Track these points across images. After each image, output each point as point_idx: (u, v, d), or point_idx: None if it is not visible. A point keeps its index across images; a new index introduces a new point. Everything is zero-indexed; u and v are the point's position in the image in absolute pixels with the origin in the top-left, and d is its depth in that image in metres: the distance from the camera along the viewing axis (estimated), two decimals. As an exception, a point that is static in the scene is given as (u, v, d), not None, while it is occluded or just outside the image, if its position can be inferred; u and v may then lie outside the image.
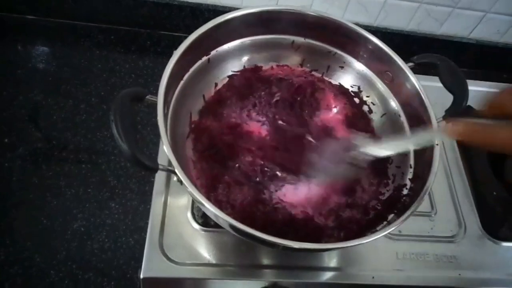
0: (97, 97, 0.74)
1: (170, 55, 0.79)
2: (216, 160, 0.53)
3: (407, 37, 0.86)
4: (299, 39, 0.60)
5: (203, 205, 0.40)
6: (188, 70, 0.52)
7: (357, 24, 0.58)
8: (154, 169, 0.40)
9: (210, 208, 0.40)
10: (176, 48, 0.81)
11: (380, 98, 0.59)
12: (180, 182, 0.40)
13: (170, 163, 0.41)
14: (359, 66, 0.60)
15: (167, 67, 0.46)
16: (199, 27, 0.53)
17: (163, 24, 0.84)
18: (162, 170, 0.40)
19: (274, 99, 0.58)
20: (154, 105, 0.45)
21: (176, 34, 0.85)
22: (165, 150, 0.40)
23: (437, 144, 0.48)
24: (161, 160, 0.42)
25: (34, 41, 0.80)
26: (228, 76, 0.59)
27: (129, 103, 0.41)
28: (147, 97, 0.44)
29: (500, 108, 0.34)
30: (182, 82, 0.51)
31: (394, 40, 0.86)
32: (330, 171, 0.51)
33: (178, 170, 0.39)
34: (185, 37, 0.84)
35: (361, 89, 0.61)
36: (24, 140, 0.68)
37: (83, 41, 0.81)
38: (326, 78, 0.62)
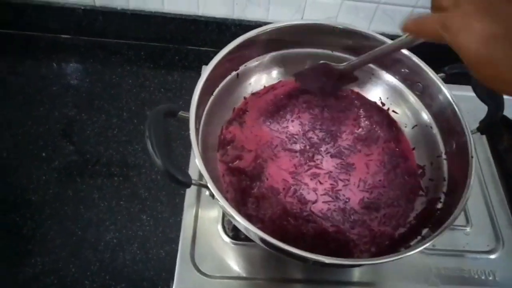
0: (128, 112, 0.76)
1: (197, 70, 0.82)
2: (243, 172, 0.53)
3: (435, 46, 0.85)
4: (327, 52, 0.60)
5: (234, 219, 0.40)
6: (218, 86, 0.53)
7: (383, 34, 0.58)
8: (187, 184, 0.40)
9: (241, 222, 0.40)
10: (203, 63, 0.84)
11: (411, 110, 0.59)
12: (212, 196, 0.41)
13: (201, 177, 0.41)
14: (389, 77, 0.60)
15: (198, 83, 0.47)
16: (228, 43, 0.53)
17: (190, 39, 0.85)
18: (195, 185, 0.41)
19: (303, 112, 0.58)
20: (185, 120, 0.46)
21: (203, 48, 0.87)
22: (198, 166, 0.41)
23: (472, 157, 0.46)
24: (192, 173, 0.43)
25: (67, 59, 0.83)
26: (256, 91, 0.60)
27: (163, 119, 0.42)
28: (180, 112, 0.45)
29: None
30: (212, 97, 0.52)
31: (421, 48, 0.84)
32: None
33: (210, 185, 0.40)
34: (212, 52, 0.86)
35: (390, 101, 0.60)
36: (59, 154, 0.70)
37: (114, 57, 0.84)
38: (356, 90, 0.62)
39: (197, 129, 0.45)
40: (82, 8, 0.80)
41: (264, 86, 0.60)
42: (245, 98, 0.59)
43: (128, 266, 0.61)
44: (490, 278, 0.53)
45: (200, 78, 0.48)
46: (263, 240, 0.40)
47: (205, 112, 0.50)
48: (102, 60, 0.84)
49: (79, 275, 0.59)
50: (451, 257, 0.54)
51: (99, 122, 0.75)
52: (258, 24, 0.81)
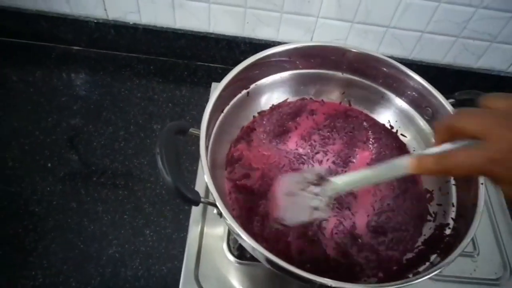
0: (135, 125, 0.76)
1: (206, 85, 0.83)
2: (250, 190, 0.53)
3: (443, 70, 0.86)
4: (337, 74, 0.60)
5: (241, 238, 0.40)
6: (228, 104, 0.54)
7: (391, 57, 0.58)
8: (196, 202, 0.40)
9: (248, 241, 0.39)
10: (212, 79, 0.84)
11: (420, 134, 0.58)
12: (220, 214, 0.41)
13: (207, 193, 0.41)
14: (399, 101, 0.60)
15: (209, 101, 0.48)
16: (237, 60, 0.54)
17: (200, 56, 0.86)
18: (203, 203, 0.40)
19: (312, 133, 0.58)
20: (193, 135, 0.46)
21: (213, 65, 0.88)
22: (208, 184, 0.41)
23: (482, 184, 0.46)
24: (198, 189, 0.43)
25: (78, 70, 0.84)
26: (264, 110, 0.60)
27: (174, 136, 0.42)
28: (190, 130, 0.45)
29: (453, 131, 0.34)
30: (222, 115, 0.52)
31: (429, 72, 0.85)
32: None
33: (219, 204, 0.40)
34: (221, 68, 0.87)
35: (399, 125, 0.60)
36: (65, 165, 0.70)
37: (124, 71, 0.85)
38: (365, 111, 0.62)
39: (206, 147, 0.45)
40: (95, 21, 0.81)
41: (272, 105, 0.60)
42: (254, 116, 0.59)
43: (129, 282, 0.60)
44: (498, 307, 0.52)
45: (212, 96, 0.48)
46: (269, 261, 0.40)
47: (214, 130, 0.50)
48: (112, 72, 0.84)
49: (80, 289, 0.59)
50: (458, 284, 0.53)
51: (106, 134, 0.75)
52: (267, 44, 0.83)
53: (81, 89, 0.81)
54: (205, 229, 0.54)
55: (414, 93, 0.57)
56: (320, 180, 0.46)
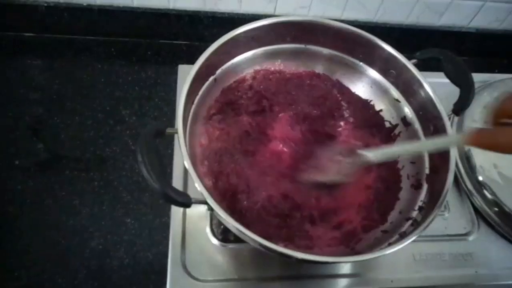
0: (103, 112, 0.74)
1: (171, 64, 0.80)
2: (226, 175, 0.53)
3: (407, 31, 0.86)
4: (300, 46, 0.60)
5: (238, 230, 0.40)
6: (197, 93, 0.52)
7: (356, 21, 0.57)
8: (187, 205, 0.40)
9: (244, 232, 0.40)
10: (177, 57, 0.82)
11: (393, 105, 0.60)
12: (211, 209, 0.41)
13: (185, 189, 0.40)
14: (369, 70, 0.60)
15: (180, 99, 0.46)
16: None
17: (162, 33, 0.83)
18: (195, 203, 0.40)
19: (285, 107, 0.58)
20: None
21: (176, 42, 0.85)
22: (198, 187, 0.40)
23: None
24: (176, 180, 0.42)
25: (33, 58, 0.79)
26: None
27: (153, 139, 0.41)
28: (167, 130, 0.44)
29: (504, 114, 0.36)
30: (193, 106, 0.51)
31: (394, 34, 0.86)
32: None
33: (210, 202, 0.40)
34: (185, 45, 0.84)
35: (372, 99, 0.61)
36: (33, 161, 0.68)
37: (83, 55, 0.81)
38: (342, 82, 0.62)
39: (185, 144, 0.44)
40: (45, 5, 0.76)
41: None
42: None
43: (116, 271, 0.60)
44: (467, 260, 0.56)
45: (181, 93, 0.46)
46: (263, 246, 0.40)
47: (188, 123, 0.49)
48: (71, 58, 0.80)
49: (67, 285, 0.59)
50: (432, 242, 0.57)
51: (73, 125, 0.72)
52: (231, 17, 0.80)
53: (40, 79, 0.77)
54: (187, 216, 0.54)
55: (378, 57, 0.57)
56: (350, 153, 0.51)
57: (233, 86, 0.58)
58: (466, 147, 0.63)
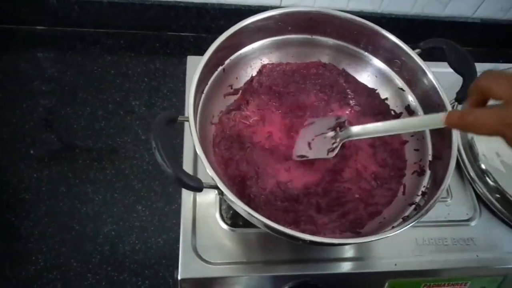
0: (113, 103, 0.76)
1: (179, 56, 0.82)
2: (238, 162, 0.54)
3: (412, 21, 0.87)
4: (306, 37, 0.61)
5: (248, 214, 0.41)
6: (207, 83, 0.54)
7: (361, 12, 0.58)
8: (199, 189, 0.41)
9: (253, 214, 0.41)
10: (184, 49, 0.83)
11: (397, 93, 0.61)
12: (221, 194, 0.43)
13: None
14: (374, 60, 0.61)
15: (191, 87, 0.47)
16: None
17: (170, 25, 0.85)
18: (206, 187, 0.42)
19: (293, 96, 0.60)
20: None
21: (184, 34, 0.86)
22: (209, 173, 0.42)
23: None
24: (186, 167, 0.43)
25: (45, 51, 0.81)
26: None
27: (166, 126, 0.43)
28: (179, 117, 0.46)
29: (481, 91, 0.35)
30: (203, 96, 0.52)
31: (399, 25, 0.87)
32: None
33: (221, 186, 0.41)
34: (193, 37, 0.86)
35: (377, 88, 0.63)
36: (48, 150, 0.70)
37: (93, 48, 0.83)
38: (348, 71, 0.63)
39: (196, 131, 0.45)
40: (56, -2, 0.78)
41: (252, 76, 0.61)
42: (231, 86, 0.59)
43: (128, 256, 0.63)
44: (469, 244, 0.58)
45: (192, 82, 0.47)
46: (270, 228, 0.42)
47: (198, 113, 0.50)
48: (82, 50, 0.82)
49: (81, 269, 0.61)
50: (434, 227, 0.58)
51: (85, 115, 0.75)
52: (238, 8, 0.81)
53: (52, 71, 0.79)
54: (198, 201, 0.56)
55: (383, 47, 0.58)
56: (338, 126, 0.53)
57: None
58: (469, 136, 0.64)
